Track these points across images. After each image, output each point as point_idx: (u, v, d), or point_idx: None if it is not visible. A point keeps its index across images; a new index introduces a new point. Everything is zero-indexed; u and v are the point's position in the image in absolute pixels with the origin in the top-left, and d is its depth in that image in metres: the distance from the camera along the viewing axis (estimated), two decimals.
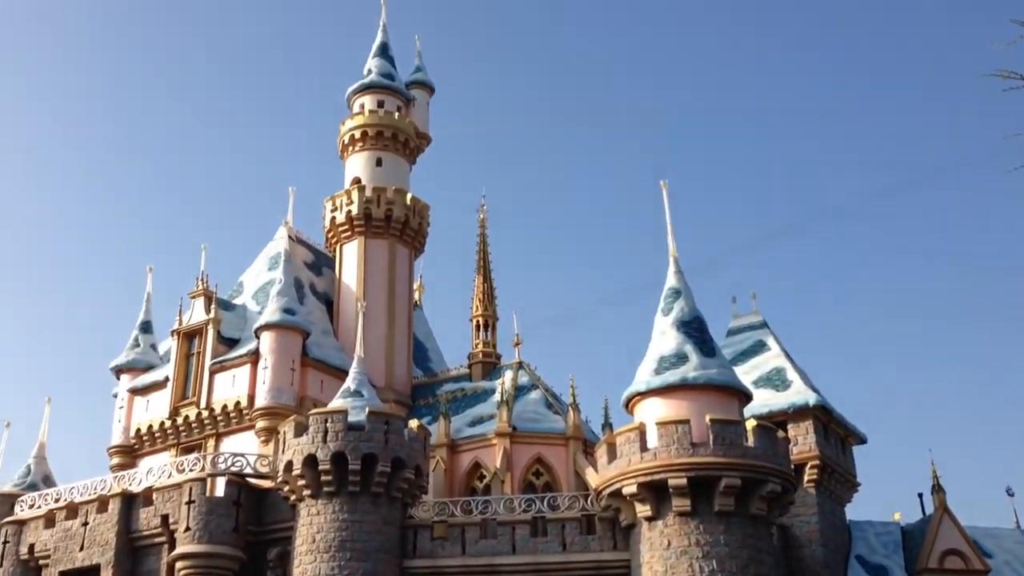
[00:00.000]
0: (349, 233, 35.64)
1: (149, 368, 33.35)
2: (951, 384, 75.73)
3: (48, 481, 30.02)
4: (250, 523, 24.86)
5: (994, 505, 62.15)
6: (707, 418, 22.11)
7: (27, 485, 29.64)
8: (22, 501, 27.89)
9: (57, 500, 26.92)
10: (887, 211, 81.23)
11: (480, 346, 33.67)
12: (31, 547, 26.46)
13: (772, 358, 30.04)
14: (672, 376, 23.09)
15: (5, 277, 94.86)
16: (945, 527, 27.36)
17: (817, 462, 27.10)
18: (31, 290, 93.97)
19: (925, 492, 28.96)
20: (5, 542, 26.97)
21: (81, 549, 25.38)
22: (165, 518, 24.85)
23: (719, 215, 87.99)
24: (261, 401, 29.87)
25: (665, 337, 24.12)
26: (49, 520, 26.48)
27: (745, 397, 23.86)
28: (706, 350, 23.74)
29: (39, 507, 27.16)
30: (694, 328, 24.17)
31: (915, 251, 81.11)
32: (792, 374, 29.03)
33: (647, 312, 27.17)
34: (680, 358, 23.45)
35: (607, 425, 28.31)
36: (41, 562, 26.24)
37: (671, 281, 25.17)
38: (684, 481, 21.56)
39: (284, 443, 24.45)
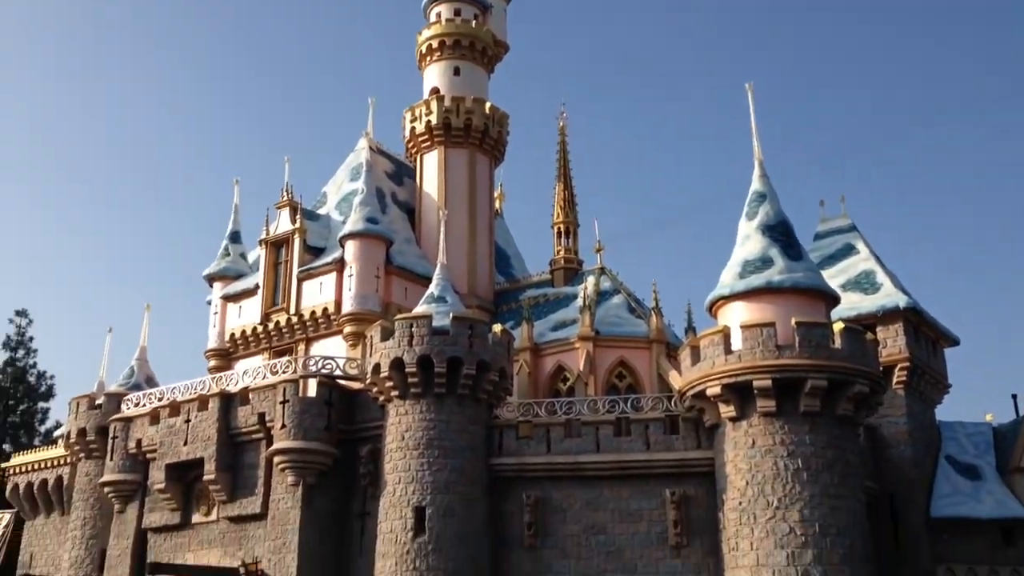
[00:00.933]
0: (429, 143, 35.76)
1: (239, 276, 34.35)
2: None
3: (150, 382, 31.49)
4: (341, 422, 25.76)
5: None
6: (793, 321, 21.91)
7: (131, 385, 31.18)
8: (128, 400, 29.36)
9: (160, 399, 28.25)
10: (984, 112, 77.94)
11: (561, 252, 33.74)
12: (139, 442, 27.94)
13: (861, 261, 29.48)
14: (757, 280, 22.88)
15: (107, 191, 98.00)
16: None
17: (907, 364, 26.79)
18: (131, 203, 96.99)
19: (1021, 393, 28.58)
20: (114, 437, 28.53)
21: (185, 444, 26.68)
22: (262, 416, 25.88)
23: (807, 119, 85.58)
24: (348, 307, 30.59)
25: (750, 241, 23.84)
26: (154, 417, 27.84)
27: (832, 300, 23.55)
28: (792, 254, 23.41)
29: (144, 405, 28.55)
30: (779, 232, 23.81)
31: (1001, 150, 77.80)
32: (882, 277, 28.50)
33: (731, 219, 26.83)
34: (765, 262, 23.19)
35: (690, 329, 28.34)
36: (148, 455, 27.71)
37: (756, 185, 24.72)
38: (769, 382, 21.53)
39: (371, 347, 25.11)
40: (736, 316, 22.93)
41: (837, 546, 20.51)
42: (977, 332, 69.90)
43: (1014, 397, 28.85)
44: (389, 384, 24.44)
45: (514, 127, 37.51)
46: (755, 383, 21.68)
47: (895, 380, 26.72)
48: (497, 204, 38.88)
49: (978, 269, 75.88)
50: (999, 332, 69.12)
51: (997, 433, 28.49)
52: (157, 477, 27.01)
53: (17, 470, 36.45)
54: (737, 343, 22.27)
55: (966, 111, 79.13)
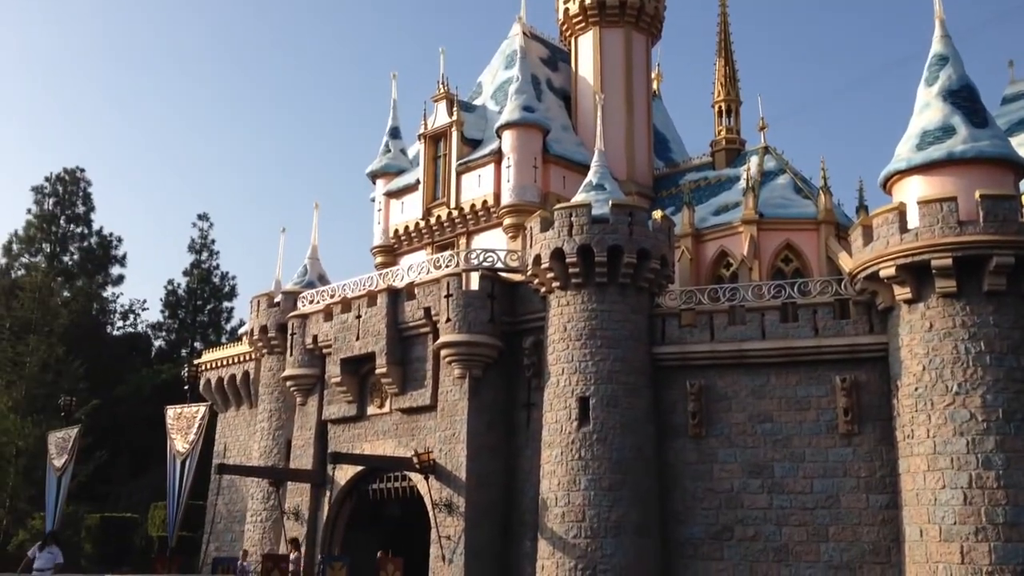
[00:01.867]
0: (583, 24, 34.72)
1: (401, 172, 34.99)
2: None
3: (323, 280, 32.89)
4: (504, 314, 26.12)
5: None
6: (976, 194, 20.37)
7: (305, 283, 32.66)
8: (303, 297, 30.81)
9: (332, 296, 29.48)
10: None
11: (723, 132, 32.47)
12: (315, 337, 29.40)
13: None
14: (937, 151, 21.34)
15: (273, 93, 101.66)
16: None
17: None
18: (295, 108, 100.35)
19: None
20: (292, 333, 30.13)
21: (357, 339, 27.87)
22: (427, 310, 26.58)
23: None
24: (506, 199, 30.67)
25: (929, 109, 22.16)
26: (327, 314, 29.15)
27: (1022, 171, 21.64)
28: (977, 120, 21.65)
29: (317, 302, 29.90)
30: (963, 97, 22.00)
31: None
32: None
33: (908, 87, 24.81)
34: (946, 131, 21.55)
35: (862, 208, 26.87)
36: (324, 350, 29.15)
37: (937, 47, 22.82)
38: (949, 261, 20.26)
39: (531, 238, 25.12)
40: (914, 192, 21.56)
41: (1022, 432, 19.39)
42: None
43: None
44: (550, 275, 24.49)
45: (671, 1, 35.87)
46: (934, 262, 20.45)
47: None
48: (655, 85, 37.64)
49: None
50: None
51: None
52: (333, 371, 28.42)
53: (208, 366, 39.28)
54: (914, 220, 21.01)
55: None
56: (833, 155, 68.48)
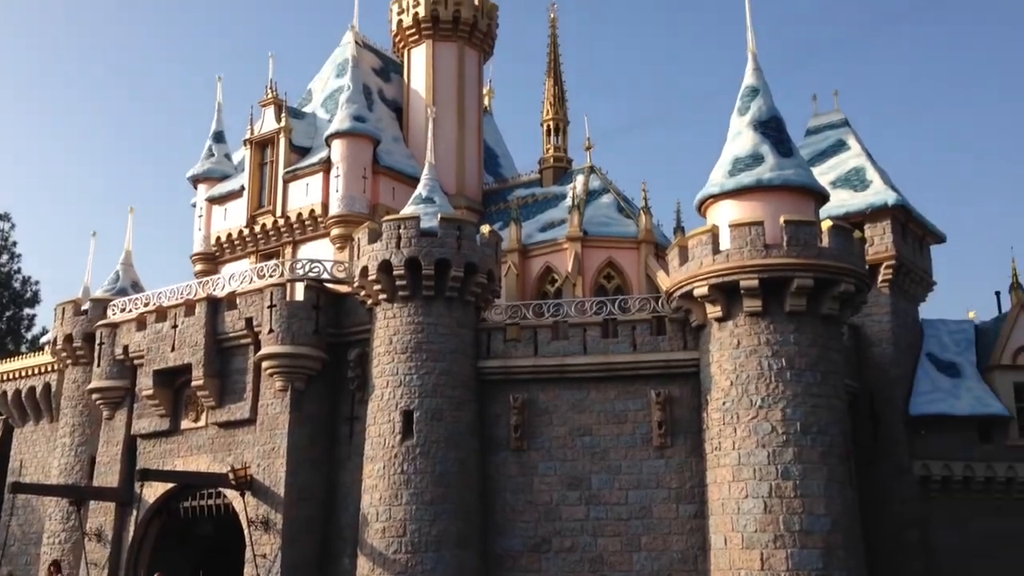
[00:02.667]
0: (416, 36, 34.73)
1: (224, 177, 33.83)
2: None
3: (136, 287, 31.30)
4: (330, 326, 25.69)
5: None
6: (781, 219, 21.60)
7: (117, 290, 30.97)
8: (114, 305, 29.20)
9: (146, 304, 28.10)
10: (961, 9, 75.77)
11: (551, 151, 33.18)
12: (125, 348, 27.90)
13: (852, 157, 28.99)
14: (747, 177, 22.47)
15: (88, 91, 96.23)
16: (1021, 324, 27.11)
17: (893, 262, 26.70)
18: (111, 106, 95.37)
19: (1003, 291, 28.57)
20: (101, 343, 28.48)
21: (172, 350, 26.67)
22: (249, 321, 25.79)
23: (801, 11, 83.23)
24: (335, 209, 30.20)
25: (741, 138, 23.32)
26: (140, 323, 27.76)
27: (821, 198, 23.20)
28: (783, 150, 22.94)
29: (130, 311, 28.42)
30: (771, 128, 23.28)
31: (991, 43, 75.91)
32: (872, 174, 28.06)
33: (722, 116, 26.18)
34: (756, 159, 22.73)
35: (679, 229, 27.98)
36: (136, 362, 27.72)
37: (749, 79, 24.07)
38: (756, 282, 21.34)
39: (359, 249, 24.86)
40: (726, 214, 22.61)
41: (817, 444, 20.69)
42: (964, 229, 69.60)
43: (997, 295, 29.00)
44: (377, 287, 24.28)
45: (503, 19, 36.50)
46: (742, 283, 21.50)
47: (880, 278, 26.61)
48: (486, 101, 38.06)
49: (968, 164, 74.91)
50: (986, 229, 68.69)
51: (979, 331, 28.58)
52: (145, 383, 27.10)
53: (4, 377, 36.41)
54: (725, 242, 22.02)
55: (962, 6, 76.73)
56: (655, 176, 71.30)
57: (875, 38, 79.47)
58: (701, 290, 22.07)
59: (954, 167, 73.96)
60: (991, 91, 76.86)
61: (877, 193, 27.32)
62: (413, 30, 34.65)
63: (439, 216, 24.43)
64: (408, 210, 25.31)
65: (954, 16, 75.75)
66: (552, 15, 35.18)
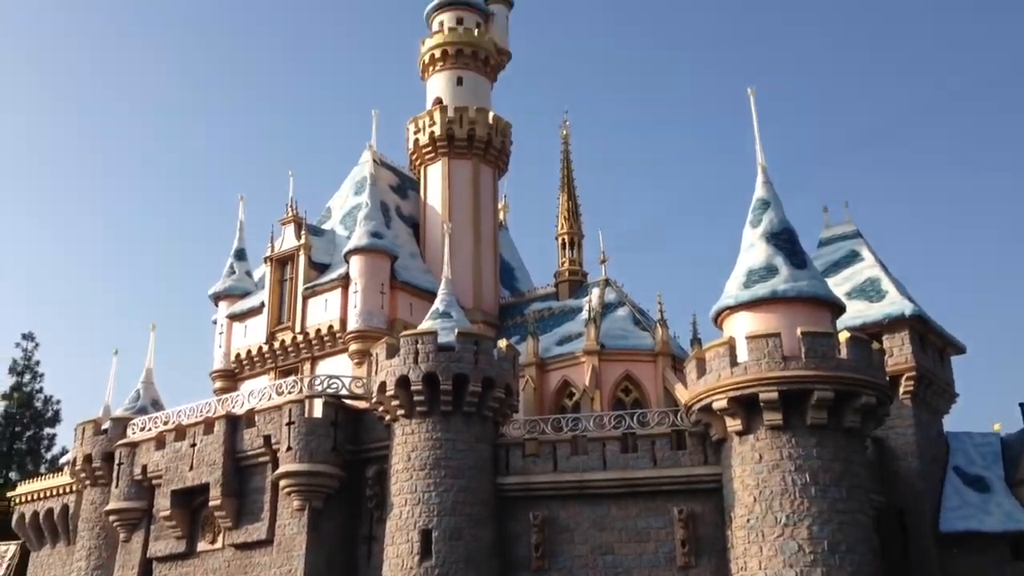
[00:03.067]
0: (432, 154, 35.62)
1: (245, 294, 34.31)
2: None
3: (156, 405, 31.41)
4: (348, 442, 25.61)
5: None
6: (798, 331, 21.62)
7: (137, 409, 31.09)
8: (133, 424, 29.27)
9: (166, 423, 28.16)
10: (975, 114, 77.23)
11: (566, 264, 33.59)
12: (144, 468, 27.82)
13: (866, 268, 29.14)
14: (762, 289, 22.59)
15: (112, 210, 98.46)
16: None
17: (913, 373, 26.47)
18: (136, 222, 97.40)
19: None
20: (120, 463, 28.42)
21: (191, 469, 26.58)
22: (268, 438, 25.75)
23: (809, 124, 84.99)
24: (353, 324, 30.47)
25: (754, 250, 23.55)
26: (160, 442, 27.76)
27: (837, 309, 23.25)
28: (797, 261, 23.11)
29: (149, 430, 28.46)
30: (784, 239, 23.52)
31: (1009, 151, 76.96)
32: (887, 284, 28.16)
33: (735, 226, 26.61)
34: (770, 270, 22.90)
35: (696, 341, 28.06)
36: (154, 482, 27.60)
37: (759, 192, 24.45)
38: (775, 395, 21.23)
39: (377, 365, 24.95)
40: (742, 326, 22.64)
41: (846, 564, 20.23)
42: (984, 339, 69.13)
43: (1022, 406, 28.42)
44: (395, 402, 24.29)
45: (517, 136, 37.48)
46: (761, 395, 21.39)
47: (902, 390, 26.37)
48: (501, 215, 38.73)
49: (986, 274, 75.09)
50: (1007, 339, 68.32)
51: (1005, 443, 28.13)
52: (163, 504, 26.92)
53: (23, 499, 36.06)
54: (743, 354, 21.99)
55: (971, 112, 78.23)
56: (670, 287, 71.77)
57: (888, 145, 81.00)
58: (720, 403, 21.94)
59: (972, 277, 74.07)
60: (1002, 200, 77.59)
61: (893, 303, 27.37)
62: (429, 148, 35.56)
63: (456, 331, 24.59)
64: (425, 325, 25.51)
65: (971, 119, 77.13)
66: (564, 131, 36.14)
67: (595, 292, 31.47)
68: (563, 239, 33.99)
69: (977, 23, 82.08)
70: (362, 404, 26.12)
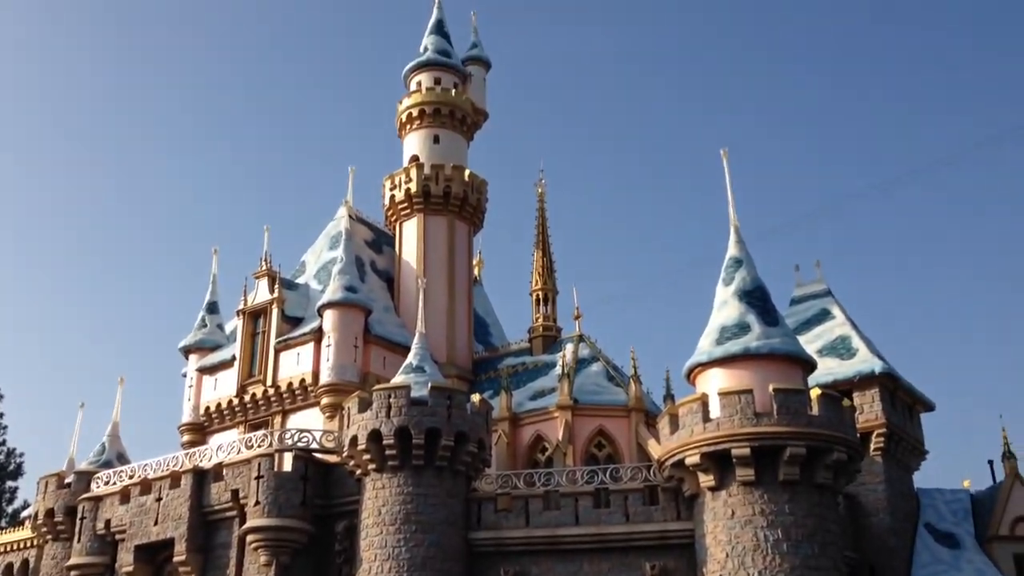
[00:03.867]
0: (408, 211, 35.84)
1: (216, 348, 34.06)
2: (1021, 348, 73.56)
3: (122, 459, 30.88)
4: (317, 497, 25.28)
5: None
6: (770, 387, 21.78)
7: (102, 462, 30.54)
8: (98, 478, 28.72)
9: (131, 476, 27.67)
10: (949, 177, 79.16)
11: (540, 320, 33.73)
12: (107, 522, 27.23)
13: (837, 326, 29.54)
14: (734, 346, 22.78)
15: (78, 263, 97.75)
16: (1017, 494, 27.01)
17: (884, 430, 26.72)
18: (103, 275, 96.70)
19: (996, 459, 28.50)
20: (82, 517, 27.81)
21: (155, 524, 26.07)
22: (235, 493, 25.37)
23: (781, 184, 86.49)
24: (325, 378, 30.30)
25: (727, 307, 23.80)
26: (124, 496, 27.23)
27: (809, 366, 23.47)
28: (769, 319, 23.37)
29: (114, 483, 27.94)
30: (756, 297, 23.81)
31: (977, 214, 78.68)
32: (857, 342, 28.52)
33: (709, 284, 26.91)
34: (742, 328, 23.12)
35: (669, 397, 28.17)
36: (117, 536, 27.00)
37: (732, 251, 24.81)
38: (748, 451, 21.30)
39: (349, 419, 24.78)
40: (714, 383, 22.78)
41: None
42: (953, 397, 69.90)
43: (991, 463, 28.83)
44: (366, 457, 24.08)
45: (493, 193, 37.80)
46: (734, 451, 21.46)
47: (872, 446, 26.59)
48: (476, 271, 38.90)
49: (954, 332, 76.15)
50: (975, 397, 69.12)
51: (975, 500, 28.35)
52: (125, 559, 26.31)
53: None
54: (715, 410, 22.10)
55: (937, 175, 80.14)
56: (643, 343, 72.12)
57: (857, 205, 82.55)
58: (693, 459, 21.97)
59: (941, 334, 75.16)
60: (971, 254, 79.04)
61: (864, 361, 27.70)
62: (405, 204, 35.79)
63: (429, 385, 24.53)
64: (398, 379, 25.43)
65: (939, 182, 78.94)
66: (540, 189, 36.58)
67: (569, 348, 31.56)
68: (537, 295, 34.18)
69: (951, 86, 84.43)
70: (333, 458, 25.85)
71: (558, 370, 30.17)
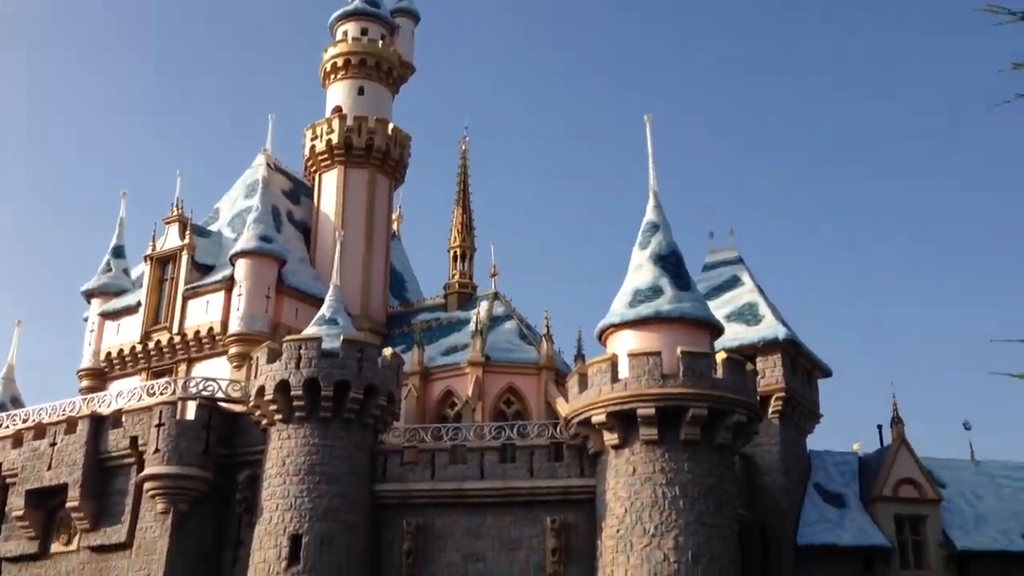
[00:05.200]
0: (329, 162, 35.19)
1: (121, 292, 33.10)
2: (916, 320, 76.08)
3: (16, 402, 29.96)
4: (221, 446, 24.88)
5: (951, 438, 63.66)
6: (678, 350, 22.09)
7: None
8: None
9: (25, 420, 26.85)
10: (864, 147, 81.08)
11: (457, 277, 33.53)
12: None
13: (745, 293, 30.08)
14: (646, 309, 23.04)
15: None
16: (901, 457, 27.94)
17: (783, 394, 27.41)
18: (2, 213, 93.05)
19: (885, 424, 29.42)
20: None
21: (49, 468, 25.37)
22: (134, 440, 24.84)
23: (702, 152, 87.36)
24: (235, 327, 29.71)
25: (641, 270, 24.03)
26: (17, 440, 26.44)
27: (717, 331, 23.87)
28: (681, 284, 23.68)
29: (7, 427, 27.09)
30: (670, 262, 24.08)
31: (883, 188, 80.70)
32: (764, 309, 29.10)
33: (626, 247, 27.07)
34: (655, 291, 23.38)
35: (580, 356, 28.40)
36: (8, 480, 26.23)
37: (650, 215, 25.01)
38: (653, 411, 21.64)
39: (257, 369, 24.40)
40: (625, 344, 23.01)
41: (708, 574, 20.67)
42: (848, 363, 72.34)
43: (879, 428, 29.78)
44: (273, 407, 23.75)
45: (416, 149, 37.34)
46: (639, 411, 21.77)
47: (771, 410, 27.25)
48: (395, 226, 38.49)
49: (853, 302, 78.00)
50: (868, 364, 71.47)
51: (863, 462, 29.27)
52: (16, 504, 25.58)
53: None
54: (624, 371, 22.36)
55: (853, 151, 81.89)
56: (557, 304, 72.39)
57: (776, 176, 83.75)
58: (599, 417, 22.23)
59: (839, 304, 76.95)
60: (875, 232, 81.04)
61: (769, 328, 28.28)
62: (326, 156, 35.13)
63: (341, 337, 24.25)
64: (310, 331, 25.07)
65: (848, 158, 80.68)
66: (463, 146, 36.24)
67: (483, 305, 31.51)
68: (455, 252, 33.96)
69: (856, 57, 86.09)
70: (238, 408, 25.44)
71: (471, 327, 30.11)
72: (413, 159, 37.13)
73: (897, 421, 28.53)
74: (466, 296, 33.05)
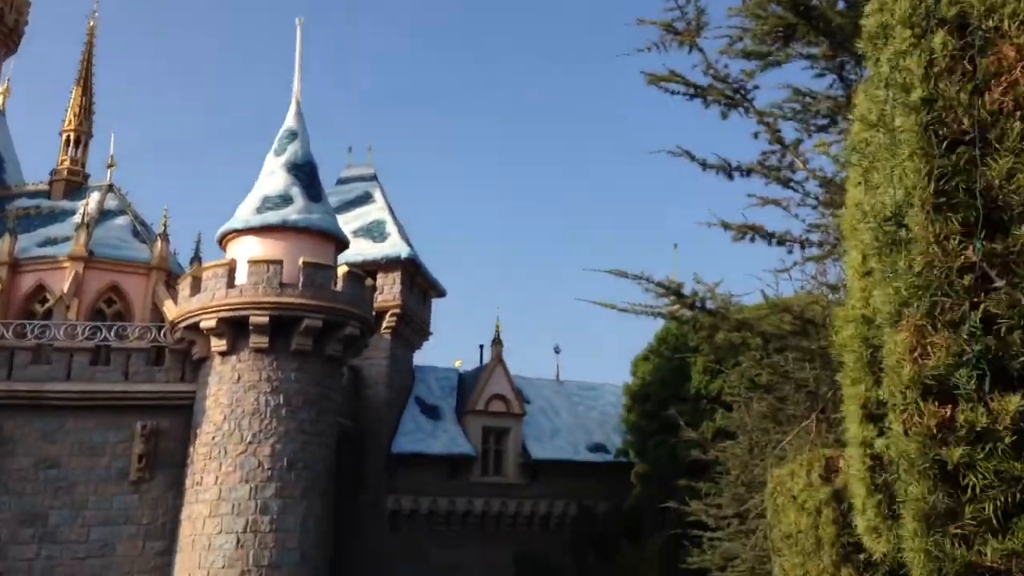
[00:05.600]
0: None
1: None
2: (523, 255, 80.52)
3: None
4: None
5: (545, 360, 69.26)
6: (300, 260, 21.63)
7: None
8: None
9: None
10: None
11: (67, 163, 30.04)
12: None
13: (376, 210, 30.18)
14: (273, 216, 22.36)
15: None
16: (496, 375, 29.84)
17: (398, 311, 27.99)
18: None
19: (486, 345, 30.90)
20: None
21: None
22: None
23: (352, 68, 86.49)
24: None
25: (273, 177, 23.26)
26: None
27: (342, 244, 23.75)
28: (312, 195, 23.23)
29: None
30: (304, 172, 23.52)
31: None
32: (391, 227, 29.37)
33: (261, 153, 25.82)
34: (285, 200, 22.74)
35: (197, 259, 26.84)
36: None
37: (290, 122, 24.27)
38: (266, 319, 21.14)
39: None
40: (247, 250, 22.26)
41: (301, 480, 20.67)
42: (462, 286, 76.27)
43: (481, 347, 31.43)
44: None
45: (38, 18, 32.98)
46: (252, 318, 21.20)
47: (384, 325, 27.75)
48: (0, 99, 33.79)
49: (472, 225, 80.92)
50: (478, 286, 75.52)
51: (462, 378, 30.88)
52: None
53: None
54: (242, 278, 21.65)
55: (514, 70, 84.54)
56: (180, 205, 68.16)
57: (423, 104, 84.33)
58: (209, 323, 21.34)
59: (462, 228, 79.39)
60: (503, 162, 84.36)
61: (393, 246, 28.59)
62: None
63: None
64: None
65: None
66: (92, 23, 32.51)
67: (95, 196, 28.57)
68: (68, 135, 30.39)
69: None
70: None
71: (77, 218, 27.21)
72: (33, 29, 32.82)
73: (497, 342, 30.22)
74: (75, 185, 29.73)
